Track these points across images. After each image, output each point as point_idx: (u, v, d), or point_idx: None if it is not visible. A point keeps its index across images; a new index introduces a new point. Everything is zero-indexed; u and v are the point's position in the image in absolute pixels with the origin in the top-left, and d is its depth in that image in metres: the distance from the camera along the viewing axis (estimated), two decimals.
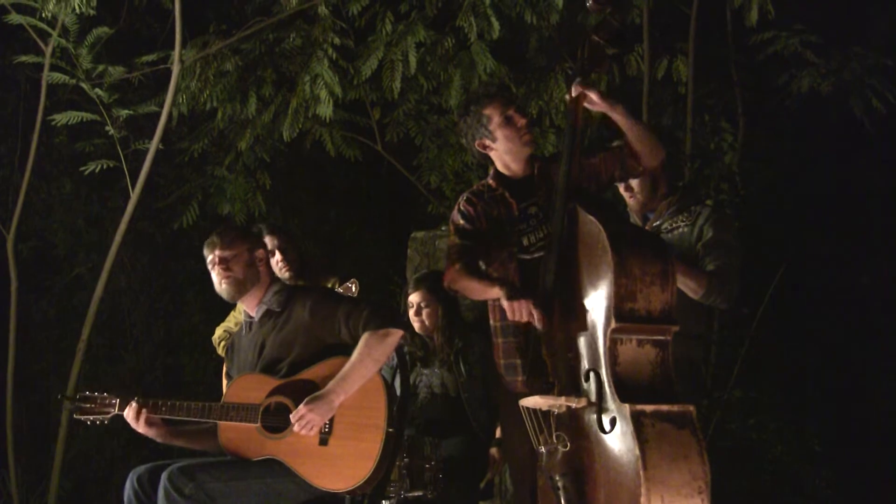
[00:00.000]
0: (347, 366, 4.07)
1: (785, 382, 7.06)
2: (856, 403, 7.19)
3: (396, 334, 4.16)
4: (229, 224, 4.41)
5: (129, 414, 4.28)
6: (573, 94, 3.89)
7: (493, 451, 5.17)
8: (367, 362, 4.08)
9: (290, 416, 4.03)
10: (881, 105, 6.77)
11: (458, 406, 5.27)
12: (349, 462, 4.01)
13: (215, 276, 4.31)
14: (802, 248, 7.33)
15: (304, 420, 4.00)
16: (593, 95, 3.87)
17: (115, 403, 4.33)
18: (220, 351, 5.75)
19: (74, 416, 4.40)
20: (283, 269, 5.55)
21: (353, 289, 5.26)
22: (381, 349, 4.11)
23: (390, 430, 4.05)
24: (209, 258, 4.32)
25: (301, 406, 4.02)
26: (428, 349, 5.42)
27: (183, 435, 4.37)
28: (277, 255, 5.54)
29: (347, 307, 4.21)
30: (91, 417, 4.36)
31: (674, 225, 4.51)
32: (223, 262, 4.27)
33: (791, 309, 7.23)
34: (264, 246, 4.50)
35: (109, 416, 4.35)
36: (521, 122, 4.12)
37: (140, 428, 4.28)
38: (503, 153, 4.17)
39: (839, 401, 7.12)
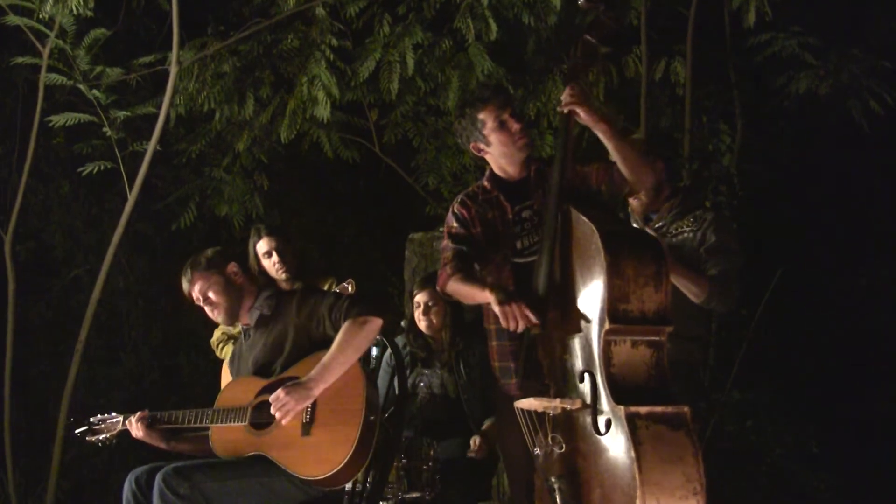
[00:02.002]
0: (327, 355, 4.10)
1: (783, 384, 7.06)
2: (854, 405, 7.18)
3: (376, 322, 4.18)
4: (192, 260, 4.45)
5: (132, 427, 4.43)
6: (563, 108, 3.88)
7: (477, 439, 5.12)
8: (346, 350, 4.10)
9: (269, 398, 4.06)
10: (879, 107, 6.76)
11: (457, 407, 5.28)
12: (328, 448, 4.02)
13: (206, 311, 4.42)
14: (801, 250, 7.32)
15: (280, 403, 4.03)
16: (581, 112, 3.85)
17: (120, 420, 4.53)
18: (219, 353, 5.76)
19: (87, 438, 4.59)
20: (280, 271, 5.55)
21: (350, 289, 5.26)
22: (360, 337, 4.13)
23: (370, 417, 4.05)
24: (192, 297, 4.41)
25: (279, 390, 4.04)
26: (430, 349, 5.42)
27: (186, 440, 4.47)
28: (274, 257, 5.55)
29: (330, 301, 4.25)
30: (102, 437, 4.55)
31: (679, 229, 4.51)
32: (205, 299, 4.38)
33: (789, 311, 7.23)
34: (235, 257, 4.50)
35: (116, 432, 4.54)
36: (516, 126, 4.08)
37: (145, 438, 4.41)
38: (498, 157, 4.15)
39: (837, 402, 7.11)
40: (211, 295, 4.35)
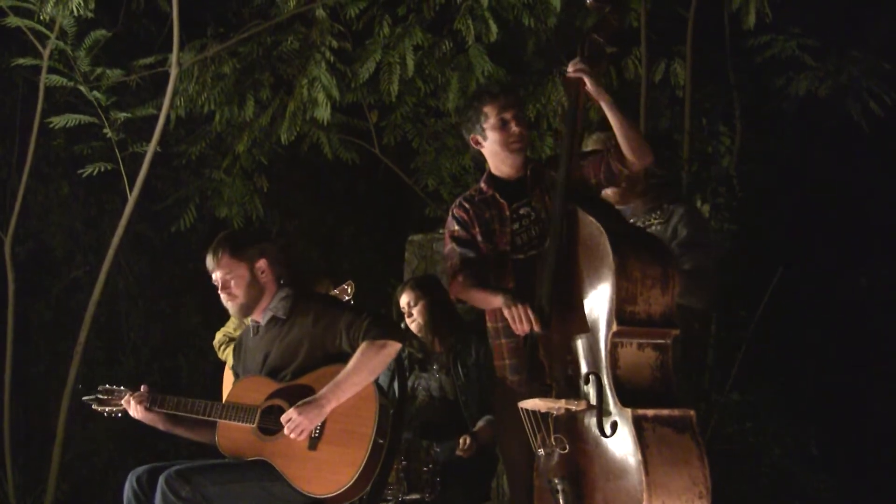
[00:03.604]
0: (342, 373, 4.09)
1: (783, 385, 7.06)
2: (854, 406, 7.18)
3: (394, 346, 4.17)
4: (227, 237, 4.41)
5: (129, 406, 4.43)
6: (569, 74, 3.90)
7: (468, 438, 5.11)
8: (361, 371, 4.10)
9: (281, 418, 4.06)
10: (878, 108, 6.77)
11: (456, 409, 5.28)
12: (333, 468, 4.03)
13: (221, 296, 4.36)
14: (800, 251, 7.32)
15: (294, 423, 4.04)
16: (587, 79, 3.87)
17: (125, 395, 4.50)
18: (221, 355, 5.76)
19: (93, 407, 4.58)
20: None
21: (349, 290, 5.26)
22: (377, 360, 4.13)
23: (379, 440, 4.06)
24: (213, 277, 4.37)
25: (291, 409, 4.05)
26: (426, 351, 5.43)
27: (184, 425, 4.47)
28: None
29: (349, 317, 4.23)
30: (108, 409, 4.55)
31: (646, 222, 4.51)
32: (225, 287, 4.33)
33: (789, 312, 7.22)
34: (267, 251, 4.45)
35: (122, 407, 4.51)
36: (515, 129, 4.12)
37: (142, 419, 4.42)
38: (490, 154, 4.20)
39: (837, 404, 7.11)
40: (232, 285, 4.31)
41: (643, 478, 3.34)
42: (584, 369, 3.66)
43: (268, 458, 4.12)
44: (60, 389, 7.07)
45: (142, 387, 4.46)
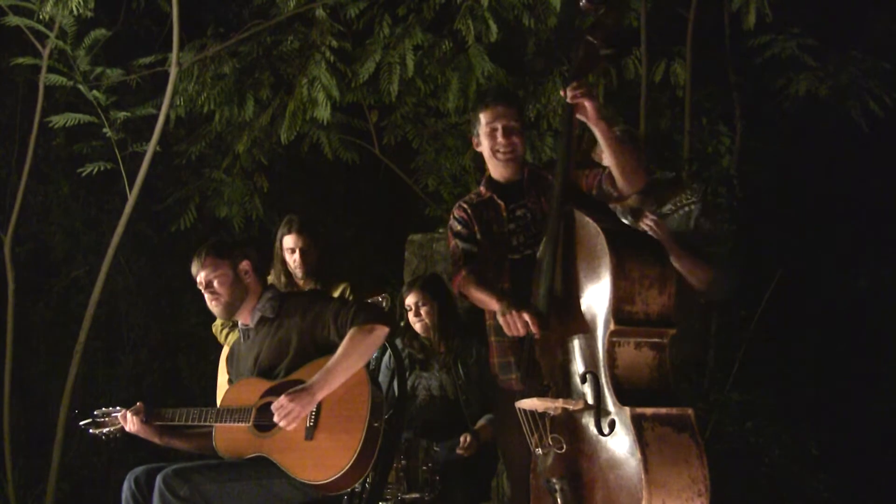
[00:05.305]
0: (332, 360, 4.10)
1: (782, 385, 7.06)
2: (853, 407, 7.18)
3: (382, 330, 4.18)
4: (211, 241, 4.47)
5: (125, 421, 4.45)
6: (570, 100, 3.89)
7: (468, 437, 5.12)
8: (351, 356, 4.10)
9: (272, 405, 4.06)
10: (879, 108, 6.77)
11: (456, 408, 5.29)
12: (331, 453, 4.03)
13: (206, 296, 4.41)
14: (800, 252, 7.32)
15: (284, 410, 4.04)
16: (588, 106, 3.86)
17: (122, 414, 4.52)
18: (221, 339, 5.76)
19: (90, 431, 4.61)
20: (299, 269, 5.56)
21: (385, 304, 5.21)
22: (366, 344, 4.14)
23: (374, 423, 4.06)
24: (196, 279, 4.41)
25: (282, 397, 4.05)
26: (427, 352, 5.43)
27: (179, 437, 4.48)
28: (297, 255, 5.55)
29: (336, 306, 4.25)
30: (105, 431, 4.58)
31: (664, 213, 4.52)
32: (209, 286, 4.38)
33: (788, 312, 7.22)
34: (250, 255, 4.49)
35: (119, 426, 4.54)
36: (502, 140, 4.20)
37: (138, 432, 4.45)
38: (485, 158, 4.31)
39: (837, 404, 7.11)
40: (216, 284, 4.35)
41: (643, 476, 3.35)
42: (581, 369, 3.66)
43: (266, 453, 4.12)
44: (60, 389, 7.07)
45: (137, 403, 4.48)
